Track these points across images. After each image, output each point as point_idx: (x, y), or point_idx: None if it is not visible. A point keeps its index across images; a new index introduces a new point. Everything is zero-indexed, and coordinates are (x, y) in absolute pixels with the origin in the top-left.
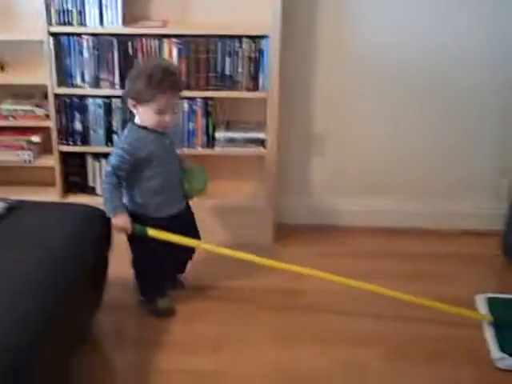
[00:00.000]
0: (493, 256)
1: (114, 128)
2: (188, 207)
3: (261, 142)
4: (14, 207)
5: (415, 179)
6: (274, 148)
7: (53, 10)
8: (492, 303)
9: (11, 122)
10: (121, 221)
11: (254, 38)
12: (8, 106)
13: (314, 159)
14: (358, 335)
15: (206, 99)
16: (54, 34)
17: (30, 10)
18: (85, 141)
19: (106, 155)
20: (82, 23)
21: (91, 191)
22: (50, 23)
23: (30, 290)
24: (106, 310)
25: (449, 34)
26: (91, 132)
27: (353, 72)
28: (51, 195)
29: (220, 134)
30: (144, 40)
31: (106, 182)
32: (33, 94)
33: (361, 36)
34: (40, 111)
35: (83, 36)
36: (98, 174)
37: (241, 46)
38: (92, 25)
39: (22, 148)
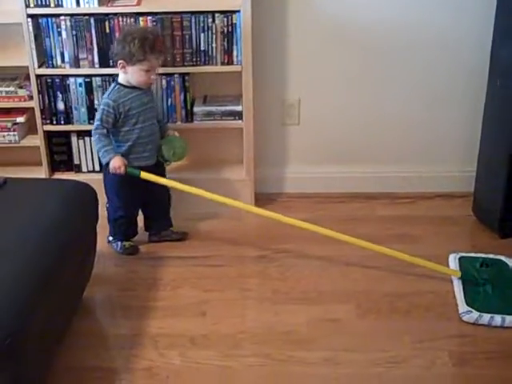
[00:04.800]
0: (465, 217)
1: (96, 106)
2: (160, 161)
3: (238, 114)
4: (4, 183)
5: (389, 144)
6: (251, 119)
7: None
8: (461, 261)
9: None
10: (117, 163)
11: (227, 13)
12: None
13: (290, 128)
14: (330, 294)
15: (183, 75)
16: (32, 16)
17: None
18: (68, 120)
19: (89, 133)
20: (59, 4)
21: (77, 169)
22: (27, 5)
23: (23, 257)
24: (93, 281)
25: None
26: (74, 111)
27: (325, 41)
28: (38, 174)
29: (198, 108)
30: (120, 18)
31: (95, 133)
32: (15, 75)
33: (332, 4)
34: (23, 92)
35: (61, 17)
36: (83, 151)
37: (214, 22)
38: (69, 6)
39: (8, 129)
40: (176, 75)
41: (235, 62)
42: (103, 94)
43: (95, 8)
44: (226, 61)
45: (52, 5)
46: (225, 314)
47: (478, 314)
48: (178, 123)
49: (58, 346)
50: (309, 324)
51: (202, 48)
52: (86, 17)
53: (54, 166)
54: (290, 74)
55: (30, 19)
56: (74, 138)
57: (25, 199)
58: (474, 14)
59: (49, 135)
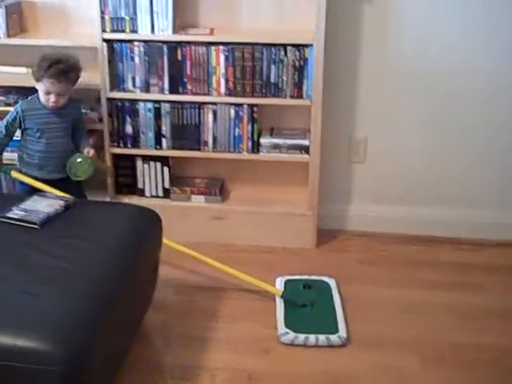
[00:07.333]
0: None
1: (163, 131)
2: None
3: (304, 149)
4: (71, 205)
5: (455, 188)
6: (317, 154)
7: (107, 18)
8: (287, 284)
9: None
10: None
11: (299, 47)
12: None
13: (355, 166)
14: (394, 341)
15: (251, 106)
16: (107, 41)
17: (85, 17)
18: (135, 143)
19: (154, 158)
20: (134, 30)
21: (140, 193)
22: (104, 30)
23: (89, 279)
24: (153, 307)
25: (495, 40)
26: (141, 135)
27: (395, 79)
28: (102, 195)
29: (265, 140)
30: (192, 47)
31: None
32: (87, 97)
33: (403, 43)
34: (93, 114)
35: (135, 43)
36: (148, 176)
37: (286, 55)
38: (143, 32)
39: None
40: (245, 106)
41: (304, 97)
42: (171, 120)
43: (169, 36)
44: (295, 94)
45: (127, 31)
46: (284, 353)
47: (294, 334)
48: (243, 153)
49: (116, 371)
50: (371, 371)
51: (272, 80)
52: (160, 44)
53: (117, 189)
54: (359, 112)
55: (105, 44)
56: (139, 162)
57: (92, 221)
58: None
59: (115, 158)
